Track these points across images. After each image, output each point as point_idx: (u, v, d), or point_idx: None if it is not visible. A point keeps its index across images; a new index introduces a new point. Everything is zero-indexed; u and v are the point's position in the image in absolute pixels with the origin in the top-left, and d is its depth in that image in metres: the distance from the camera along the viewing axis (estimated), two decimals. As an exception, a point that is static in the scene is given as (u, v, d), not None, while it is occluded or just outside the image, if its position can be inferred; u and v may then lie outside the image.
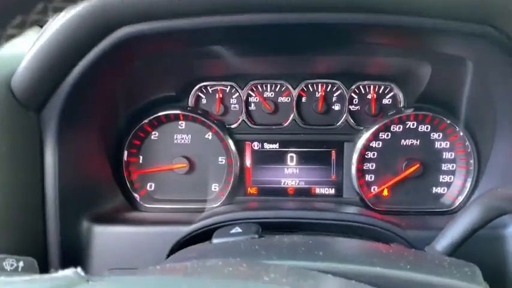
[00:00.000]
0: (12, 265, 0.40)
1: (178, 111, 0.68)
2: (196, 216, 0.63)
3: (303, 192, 0.70)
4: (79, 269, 0.35)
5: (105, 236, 0.60)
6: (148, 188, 0.70)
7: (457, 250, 0.51)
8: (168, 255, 0.57)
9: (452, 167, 0.68)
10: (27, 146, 0.53)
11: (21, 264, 0.41)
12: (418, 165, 0.67)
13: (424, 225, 0.62)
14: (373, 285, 0.35)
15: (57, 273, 0.33)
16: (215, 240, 0.47)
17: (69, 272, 0.34)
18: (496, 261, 0.57)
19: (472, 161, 0.66)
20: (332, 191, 0.70)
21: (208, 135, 0.70)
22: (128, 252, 0.59)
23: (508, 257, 0.57)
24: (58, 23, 0.48)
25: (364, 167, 0.68)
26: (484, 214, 0.49)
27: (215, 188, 0.70)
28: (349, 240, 0.48)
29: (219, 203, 0.68)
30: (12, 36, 0.24)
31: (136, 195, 0.69)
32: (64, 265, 0.56)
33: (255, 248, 0.42)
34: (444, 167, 0.68)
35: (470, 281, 0.39)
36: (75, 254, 0.57)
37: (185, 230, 0.57)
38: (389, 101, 0.69)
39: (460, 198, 0.66)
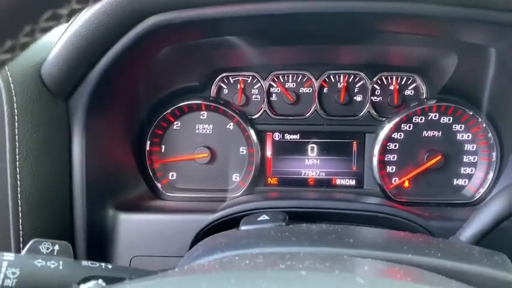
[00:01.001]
0: (48, 248, 0.41)
1: (200, 101, 0.69)
2: (217, 205, 0.64)
3: (323, 183, 0.70)
4: (100, 281, 0.35)
5: (129, 224, 0.61)
6: (170, 177, 0.71)
7: (481, 241, 0.51)
8: (192, 243, 0.58)
9: (474, 159, 0.67)
10: (56, 134, 0.54)
11: (56, 247, 0.42)
12: (439, 156, 0.67)
13: (445, 217, 0.62)
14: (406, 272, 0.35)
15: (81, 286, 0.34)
16: (243, 227, 0.48)
17: (91, 285, 0.35)
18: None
19: (494, 153, 0.66)
20: (353, 182, 0.70)
21: (230, 126, 0.70)
22: (152, 239, 0.60)
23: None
24: (89, 12, 0.49)
25: (386, 158, 0.69)
26: (509, 205, 0.49)
27: (236, 178, 0.70)
28: (377, 229, 0.49)
29: (239, 193, 0.69)
30: (26, 45, 0.24)
31: (158, 184, 0.70)
32: (90, 251, 0.57)
33: (285, 234, 0.42)
34: (466, 159, 0.68)
35: (502, 269, 0.39)
36: (100, 240, 0.58)
37: (210, 217, 0.58)
38: (411, 92, 0.69)
39: (482, 191, 0.66)
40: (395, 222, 0.59)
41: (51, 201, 0.53)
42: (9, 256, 0.39)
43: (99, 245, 0.58)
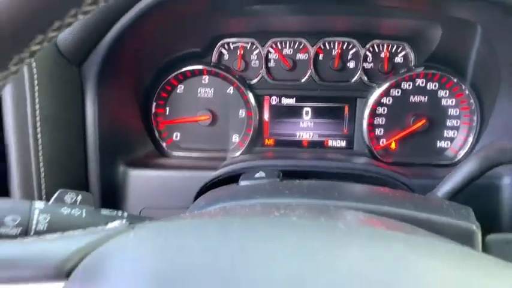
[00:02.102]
0: (72, 198, 0.47)
1: (202, 67, 0.73)
2: (218, 164, 0.69)
3: (316, 145, 0.76)
4: (124, 221, 0.41)
5: (138, 179, 0.67)
6: (174, 137, 0.76)
7: (455, 196, 0.57)
8: (196, 197, 0.64)
9: (457, 123, 0.73)
10: (71, 97, 0.59)
11: (79, 198, 0.47)
12: (424, 120, 0.72)
13: (427, 176, 0.68)
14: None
15: (107, 226, 0.40)
16: (242, 183, 0.54)
17: (116, 223, 0.40)
18: (490, 208, 0.63)
19: (475, 118, 0.71)
20: (343, 144, 0.75)
21: (230, 90, 0.75)
22: (159, 193, 0.66)
23: (500, 204, 0.63)
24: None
25: (375, 122, 0.74)
26: (481, 165, 0.55)
27: (235, 139, 0.76)
28: (361, 185, 0.54)
29: (238, 153, 0.75)
30: (69, 25, 0.28)
31: (163, 143, 0.75)
32: (103, 204, 0.63)
33: (279, 188, 0.48)
34: (449, 122, 0.73)
35: (465, 220, 0.45)
36: (112, 194, 0.64)
37: (212, 174, 0.64)
38: (401, 59, 0.73)
39: (462, 152, 0.72)
40: (381, 180, 0.64)
41: (69, 158, 0.59)
42: (40, 204, 0.45)
43: (112, 198, 0.64)
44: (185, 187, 0.65)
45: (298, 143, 0.76)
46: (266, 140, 0.76)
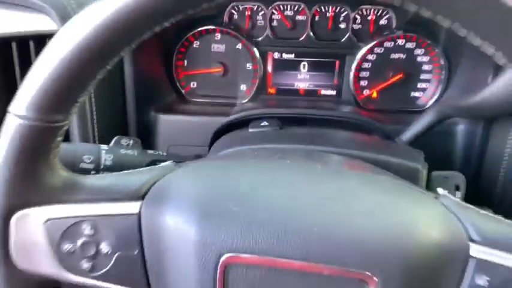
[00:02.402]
0: (126, 142, 0.62)
1: (215, 27, 0.86)
2: (229, 109, 0.84)
3: (311, 93, 0.90)
4: (170, 162, 0.56)
5: (165, 122, 0.82)
6: (191, 85, 0.90)
7: (417, 141, 0.73)
8: (212, 137, 0.80)
9: (429, 76, 0.87)
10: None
11: (131, 141, 0.63)
12: (402, 74, 0.86)
13: (401, 122, 0.83)
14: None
15: (161, 164, 0.55)
16: (251, 130, 0.70)
17: (168, 163, 0.55)
18: (447, 150, 0.79)
19: (443, 73, 0.85)
20: (334, 93, 0.90)
21: (239, 46, 0.88)
22: (182, 133, 0.82)
23: (455, 147, 0.79)
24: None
25: (360, 75, 0.88)
26: (437, 117, 0.70)
27: (243, 88, 0.90)
28: (340, 132, 0.70)
29: (246, 100, 0.89)
30: None
31: (183, 90, 0.90)
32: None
33: (278, 136, 0.64)
34: (422, 76, 0.87)
35: (414, 161, 0.61)
36: (146, 135, 0.81)
37: (224, 120, 0.79)
38: (385, 22, 0.85)
39: (431, 101, 0.87)
40: (363, 125, 0.80)
41: (113, 109, 0.74)
42: (105, 147, 0.61)
43: (146, 139, 0.80)
44: (203, 129, 0.81)
45: (296, 92, 0.90)
46: (269, 89, 0.91)
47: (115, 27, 0.36)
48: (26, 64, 0.68)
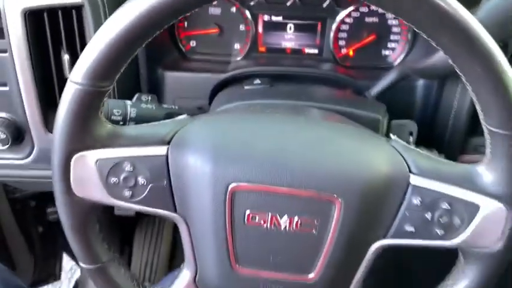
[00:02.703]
0: (145, 98, 0.76)
1: (212, -9, 0.97)
2: (225, 66, 0.97)
3: (296, 52, 1.02)
4: (186, 115, 0.70)
5: (171, 78, 0.95)
6: (191, 44, 1.02)
7: (383, 95, 0.87)
8: (212, 91, 0.93)
9: (397, 37, 1.00)
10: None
11: (149, 97, 0.76)
12: (374, 35, 0.99)
13: (373, 76, 0.96)
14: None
15: (176, 118, 0.68)
16: (246, 87, 0.83)
17: (182, 117, 0.62)
18: (408, 103, 0.94)
19: (409, 35, 0.98)
20: (316, 51, 1.02)
21: (233, 9, 0.99)
22: (186, 87, 0.95)
23: (414, 100, 0.94)
24: None
25: (339, 36, 1.00)
26: (400, 75, 0.85)
27: (237, 47, 1.02)
28: (317, 88, 0.84)
29: (240, 57, 1.02)
30: None
31: (183, 49, 1.02)
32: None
33: (269, 93, 0.78)
34: (392, 37, 1.00)
35: (375, 112, 0.76)
36: (156, 90, 0.94)
37: (222, 76, 0.93)
38: (361, -11, 0.97)
39: (399, 59, 1.00)
40: (339, 81, 0.94)
41: (128, 70, 0.86)
42: (128, 102, 0.74)
43: (156, 94, 0.93)
44: (203, 84, 0.94)
45: (283, 50, 1.03)
46: (260, 48, 1.03)
47: (153, 15, 0.50)
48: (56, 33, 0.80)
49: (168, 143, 0.57)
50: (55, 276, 1.82)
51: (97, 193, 0.60)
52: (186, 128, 0.59)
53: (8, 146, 0.82)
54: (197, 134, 0.58)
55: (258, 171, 0.57)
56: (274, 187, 0.57)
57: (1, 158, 0.87)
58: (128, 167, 0.57)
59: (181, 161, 0.57)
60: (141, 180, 0.58)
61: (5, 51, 0.76)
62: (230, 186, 0.57)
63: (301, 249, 0.59)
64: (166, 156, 0.57)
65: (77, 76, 0.53)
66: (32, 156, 0.87)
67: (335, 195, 0.56)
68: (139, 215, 1.73)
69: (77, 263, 1.93)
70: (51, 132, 0.84)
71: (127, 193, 0.59)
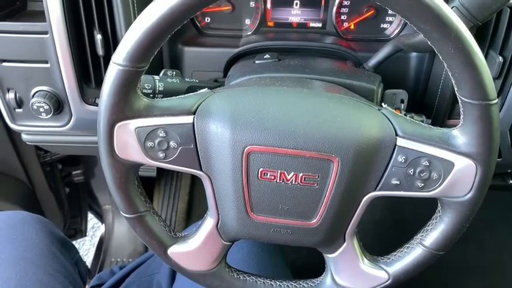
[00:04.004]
0: (170, 73, 0.87)
1: (222, -28, 1.06)
2: (237, 40, 1.07)
3: (302, 26, 1.12)
4: (207, 89, 0.77)
5: (189, 53, 1.05)
6: (206, 20, 1.12)
7: (379, 66, 0.97)
8: (225, 65, 1.04)
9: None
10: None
11: (174, 72, 0.87)
12: (373, 10, 1.08)
13: (371, 50, 1.06)
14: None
15: (199, 91, 0.79)
16: (257, 61, 0.94)
17: (204, 90, 0.70)
18: (402, 73, 1.03)
19: (406, 10, 1.06)
20: (320, 25, 1.11)
21: (243, -13, 1.08)
22: (202, 62, 1.05)
23: (408, 70, 1.03)
24: None
25: (341, 11, 1.09)
26: (393, 48, 0.94)
27: (248, 22, 1.11)
28: (320, 61, 0.94)
29: (250, 32, 1.12)
30: None
31: (199, 25, 1.12)
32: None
33: (277, 67, 0.89)
34: (390, 12, 1.08)
35: (370, 83, 0.86)
36: (176, 66, 1.04)
37: (235, 51, 1.03)
38: (361, -33, 1.05)
39: (395, 32, 1.09)
40: (341, 53, 1.04)
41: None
42: (156, 76, 0.85)
43: (176, 67, 1.04)
44: (217, 58, 1.03)
45: (289, 25, 1.12)
46: (268, 23, 1.12)
47: (185, 6, 0.60)
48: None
49: (194, 113, 0.67)
50: (82, 232, 1.98)
51: (136, 155, 0.72)
52: (208, 100, 0.70)
53: (50, 115, 0.94)
54: (218, 105, 0.69)
55: (268, 135, 0.68)
56: (282, 149, 0.68)
57: (44, 126, 0.99)
58: (161, 133, 0.67)
59: (205, 128, 0.67)
60: (172, 144, 0.68)
61: (46, 32, 0.86)
62: (246, 149, 0.68)
63: (305, 199, 0.71)
64: (193, 124, 0.65)
65: (119, 58, 0.64)
66: (69, 124, 0.99)
67: (333, 154, 0.68)
68: (159, 175, 1.87)
69: (101, 221, 2.10)
70: (87, 103, 0.96)
71: (161, 155, 0.70)
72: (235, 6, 1.10)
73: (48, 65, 0.88)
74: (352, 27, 1.10)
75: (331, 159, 0.68)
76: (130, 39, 0.63)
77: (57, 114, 0.94)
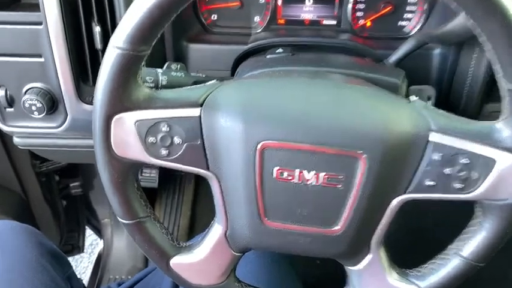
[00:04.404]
0: (175, 66, 0.80)
1: (232, -35, 1.00)
2: (245, 38, 1.01)
3: (314, 23, 1.05)
4: (215, 80, 0.72)
5: (194, 50, 0.98)
6: (212, 18, 1.05)
7: (400, 63, 0.90)
8: (234, 62, 0.96)
9: (414, 8, 1.02)
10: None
11: (179, 66, 0.80)
12: (391, 6, 1.01)
13: (389, 47, 0.99)
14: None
15: (206, 83, 0.71)
16: (268, 56, 0.87)
17: (212, 81, 0.65)
18: (424, 71, 0.97)
19: (426, 5, 1.00)
20: (334, 22, 1.05)
21: (253, -18, 1.02)
22: (208, 60, 0.99)
23: (431, 68, 0.96)
24: None
25: (356, 7, 1.03)
26: (417, 43, 0.87)
27: (257, 19, 1.05)
28: (338, 56, 0.87)
29: (260, 30, 1.05)
30: None
31: (205, 22, 1.05)
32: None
33: (292, 61, 0.81)
34: (408, 8, 1.02)
35: (394, 77, 0.79)
36: (182, 60, 0.97)
37: (244, 48, 0.96)
38: (378, -39, 0.99)
39: (415, 29, 1.03)
40: (358, 50, 0.97)
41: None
42: (159, 70, 0.78)
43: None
44: (224, 56, 0.97)
45: (301, 22, 1.05)
46: (279, 20, 1.05)
47: None
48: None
49: (201, 105, 0.61)
50: (79, 248, 1.89)
51: (136, 152, 0.64)
52: (217, 91, 0.63)
53: (43, 114, 0.86)
54: (228, 96, 0.62)
55: (286, 129, 0.61)
56: (302, 144, 0.61)
57: (37, 126, 0.92)
58: (164, 128, 0.61)
59: (213, 121, 0.60)
60: (176, 139, 0.61)
61: (40, 23, 0.79)
62: (260, 144, 0.60)
63: (327, 203, 0.63)
64: (200, 117, 0.60)
65: (118, 41, 0.57)
66: (65, 125, 0.92)
67: (360, 151, 0.60)
68: (160, 187, 1.79)
69: (99, 236, 2.00)
70: (84, 102, 0.89)
71: (164, 152, 0.63)
72: (243, 3, 1.03)
73: (42, 60, 0.82)
74: (368, 24, 1.04)
75: (358, 157, 0.60)
76: (130, 19, 0.56)
77: (51, 113, 0.87)
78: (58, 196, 1.73)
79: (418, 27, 1.02)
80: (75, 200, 1.86)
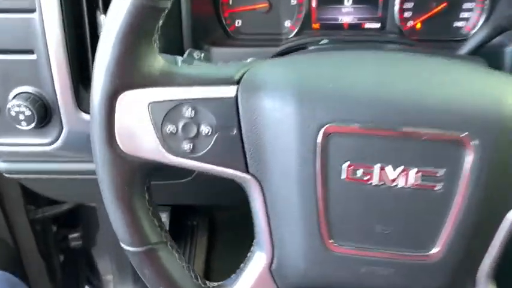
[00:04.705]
0: (198, 55, 0.64)
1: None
2: (273, 44, 0.86)
3: (355, 27, 0.91)
4: (252, 59, 0.57)
5: (218, 54, 0.84)
6: (236, 24, 0.92)
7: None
8: None
9: (471, 5, 0.88)
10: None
11: (202, 55, 0.65)
12: (445, 3, 0.87)
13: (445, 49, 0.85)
14: None
15: (241, 61, 0.56)
16: (311, 47, 0.71)
17: (249, 59, 0.56)
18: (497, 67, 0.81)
19: (487, 2, 0.86)
20: (378, 25, 0.91)
21: (283, -19, 0.89)
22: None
23: (502, 66, 0.80)
24: None
25: (404, 7, 0.89)
26: (493, 31, 0.72)
27: (288, 24, 0.91)
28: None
29: (291, 35, 0.91)
30: None
31: (228, 29, 0.91)
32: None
33: (341, 49, 0.66)
34: (465, 6, 0.88)
35: (478, 64, 0.63)
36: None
37: (275, 50, 0.81)
38: (427, -40, 0.87)
39: (474, 31, 0.88)
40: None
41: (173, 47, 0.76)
42: (180, 57, 0.62)
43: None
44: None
45: (339, 26, 0.91)
46: (313, 25, 0.92)
47: None
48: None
49: (238, 82, 0.44)
50: (77, 312, 1.66)
51: (149, 147, 0.46)
52: (258, 67, 0.47)
53: (33, 125, 0.69)
54: (274, 71, 0.46)
55: (360, 108, 0.43)
56: (383, 130, 0.43)
57: (24, 143, 0.74)
58: (188, 112, 0.45)
59: (255, 103, 0.44)
60: (204, 128, 0.45)
61: (32, 10, 0.65)
62: (322, 129, 0.43)
63: (420, 214, 0.44)
64: (236, 97, 0.45)
65: None
66: (59, 141, 0.74)
67: (467, 134, 0.42)
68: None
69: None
70: (83, 112, 0.72)
71: (186, 146, 0.46)
72: (272, 5, 0.90)
73: (34, 56, 0.67)
74: (418, 26, 0.90)
75: (464, 143, 0.42)
76: None
77: (42, 126, 0.70)
78: (54, 248, 1.54)
79: (477, 27, 0.88)
80: (73, 253, 1.66)
